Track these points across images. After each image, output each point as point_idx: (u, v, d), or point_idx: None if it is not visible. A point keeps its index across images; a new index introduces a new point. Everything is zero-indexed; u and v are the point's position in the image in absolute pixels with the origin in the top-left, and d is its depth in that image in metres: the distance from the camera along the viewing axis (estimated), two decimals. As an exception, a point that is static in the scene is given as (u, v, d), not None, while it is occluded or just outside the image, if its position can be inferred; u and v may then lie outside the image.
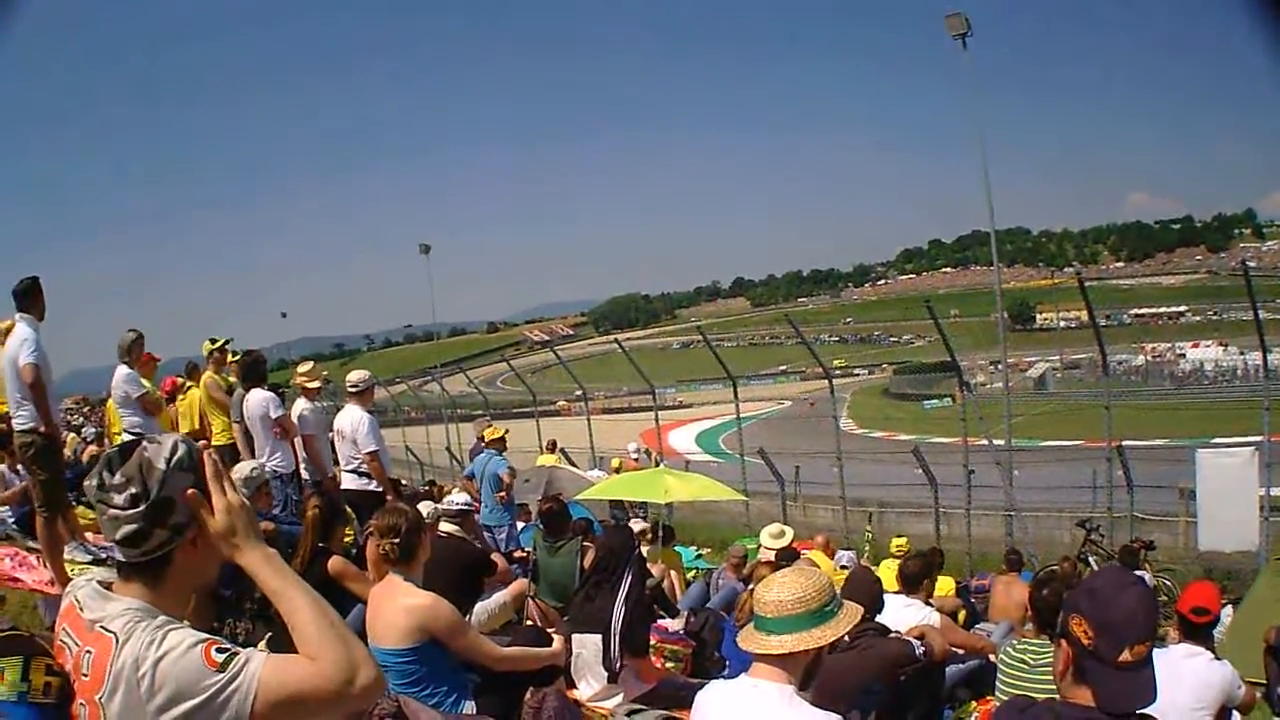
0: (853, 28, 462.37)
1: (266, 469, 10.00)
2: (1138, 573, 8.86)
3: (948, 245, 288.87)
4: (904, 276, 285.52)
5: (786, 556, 11.19)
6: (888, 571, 11.45)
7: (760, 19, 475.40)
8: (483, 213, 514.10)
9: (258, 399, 11.21)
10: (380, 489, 11.09)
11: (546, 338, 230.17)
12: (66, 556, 9.29)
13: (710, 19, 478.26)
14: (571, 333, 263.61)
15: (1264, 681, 9.09)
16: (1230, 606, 12.40)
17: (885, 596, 7.82)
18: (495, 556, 9.96)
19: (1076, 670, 2.86)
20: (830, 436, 23.89)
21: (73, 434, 19.76)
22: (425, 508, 9.84)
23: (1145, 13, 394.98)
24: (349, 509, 9.93)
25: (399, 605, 5.58)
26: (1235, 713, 6.00)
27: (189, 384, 13.75)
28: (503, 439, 15.30)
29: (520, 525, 14.56)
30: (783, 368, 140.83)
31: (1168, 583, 15.57)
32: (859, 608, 4.01)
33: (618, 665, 7.48)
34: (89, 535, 9.90)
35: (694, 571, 15.55)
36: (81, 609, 2.49)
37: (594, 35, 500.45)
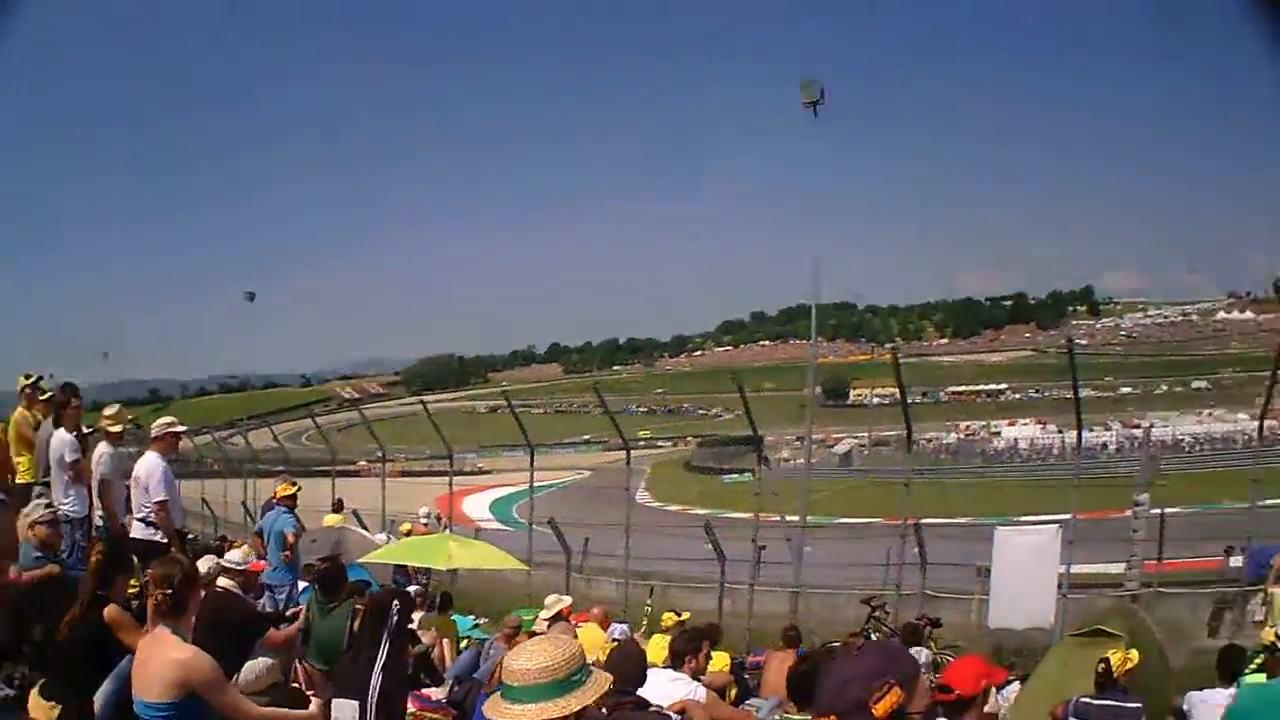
0: (685, 86, 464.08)
1: (60, 512, 9.99)
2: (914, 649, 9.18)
3: (770, 318, 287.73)
4: (721, 349, 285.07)
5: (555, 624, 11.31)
6: (660, 645, 11.65)
7: (590, 77, 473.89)
8: (301, 264, 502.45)
9: (58, 440, 11.15)
10: (166, 540, 10.91)
11: (357, 395, 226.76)
12: None
13: (529, 82, 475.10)
14: (383, 392, 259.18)
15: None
16: (1018, 683, 13.06)
17: (652, 670, 7.81)
18: (285, 628, 10.01)
19: None
20: (624, 508, 24.01)
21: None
22: (206, 562, 9.97)
23: (987, 86, 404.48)
24: (135, 559, 10.03)
25: (163, 658, 5.59)
26: None
27: None
28: (294, 496, 15.25)
29: (303, 585, 14.13)
30: (586, 437, 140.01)
31: (951, 658, 15.87)
32: (608, 676, 3.97)
33: (372, 731, 7.64)
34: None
35: (468, 641, 15.34)
36: None
37: (412, 92, 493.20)
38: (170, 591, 5.80)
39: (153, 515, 10.98)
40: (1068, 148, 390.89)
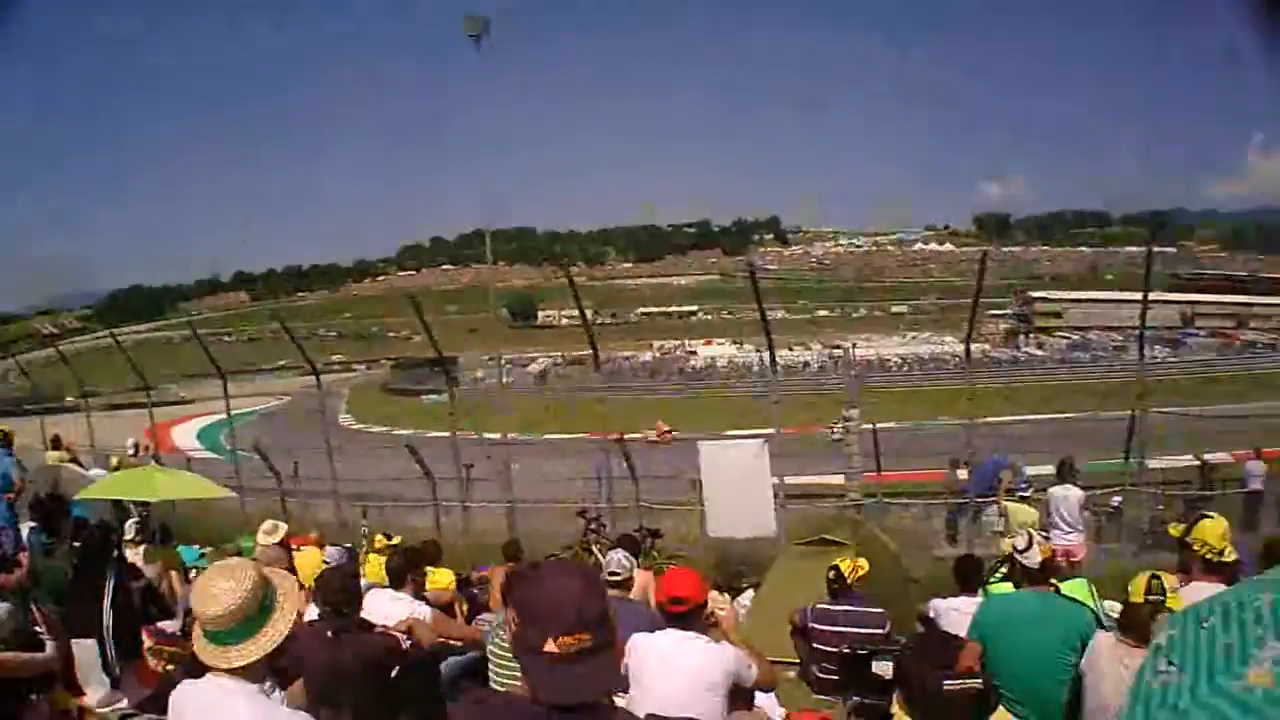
0: (364, 17, 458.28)
1: None
2: (615, 569, 9.11)
3: (449, 242, 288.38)
4: (404, 273, 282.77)
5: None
6: (377, 565, 11.52)
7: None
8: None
9: None
10: None
11: (56, 331, 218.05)
12: None
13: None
14: (80, 326, 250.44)
15: (796, 660, 9.71)
16: (751, 590, 13.19)
17: (373, 591, 8.03)
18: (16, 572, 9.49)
19: (516, 659, 2.79)
20: (326, 431, 23.93)
21: None
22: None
23: (689, 18, 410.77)
24: None
25: None
26: (762, 692, 6.28)
27: None
28: (9, 436, 14.69)
29: (27, 526, 13.81)
30: (282, 363, 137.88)
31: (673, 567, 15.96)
32: (294, 581, 4.09)
33: (116, 670, 7.33)
34: None
35: (195, 571, 14.91)
36: None
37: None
38: None
39: None
40: (758, 77, 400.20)
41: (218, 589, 3.72)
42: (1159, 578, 6.66)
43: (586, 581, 2.84)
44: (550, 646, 2.64)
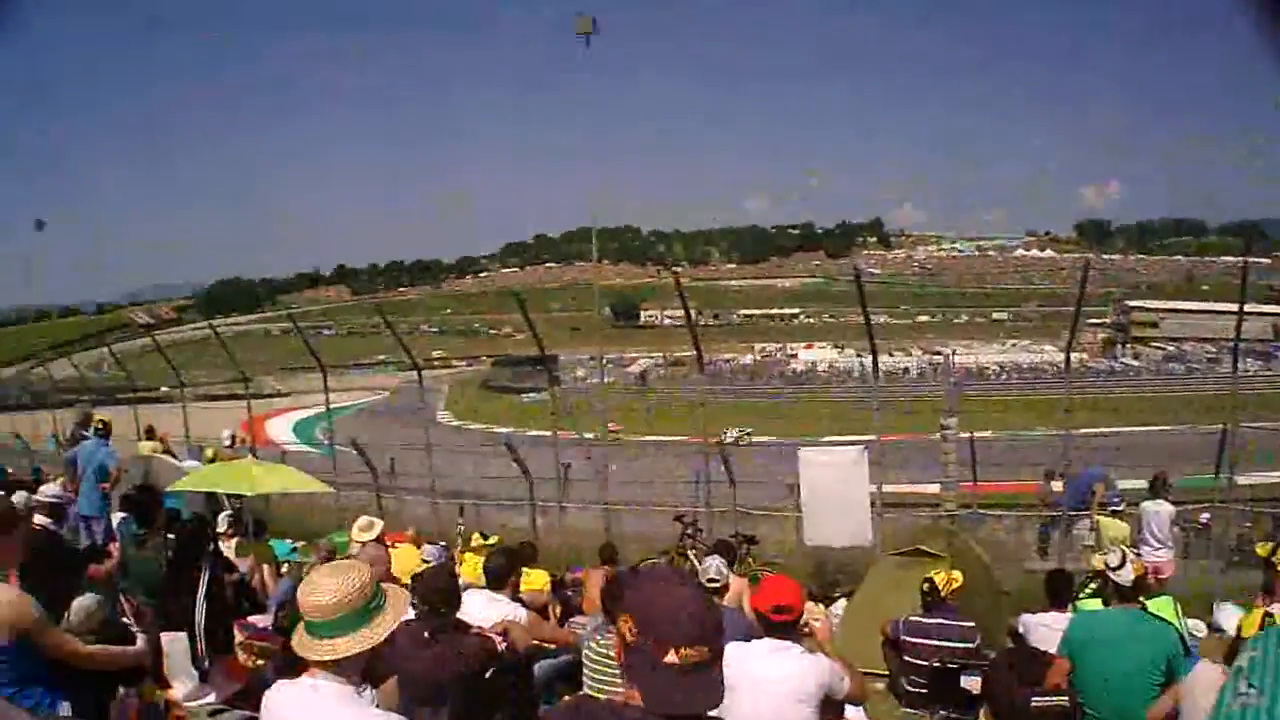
0: (473, 17, 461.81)
1: None
2: (713, 575, 9.12)
3: (554, 240, 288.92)
4: (507, 270, 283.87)
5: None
6: (474, 564, 11.54)
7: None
8: (93, 189, 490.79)
9: None
10: None
11: (151, 321, 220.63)
12: None
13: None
14: (175, 316, 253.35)
15: (885, 672, 9.72)
16: (845, 600, 13.12)
17: (470, 591, 7.87)
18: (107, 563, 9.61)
19: (625, 667, 2.78)
20: (425, 427, 23.88)
21: None
22: (18, 498, 9.52)
23: (790, 14, 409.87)
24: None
25: None
26: (852, 705, 6.22)
27: None
28: (107, 426, 14.94)
29: (120, 517, 13.79)
30: (381, 358, 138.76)
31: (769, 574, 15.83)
32: (404, 594, 4.12)
33: (205, 664, 7.39)
34: None
35: (288, 565, 14.93)
36: None
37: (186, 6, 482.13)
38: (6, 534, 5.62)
39: None
40: (863, 80, 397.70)
41: (326, 582, 3.79)
42: (1272, 615, 6.57)
43: (704, 593, 2.84)
44: (671, 658, 2.64)
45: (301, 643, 3.77)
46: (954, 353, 74.93)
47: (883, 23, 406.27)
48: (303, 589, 3.85)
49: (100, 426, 15.32)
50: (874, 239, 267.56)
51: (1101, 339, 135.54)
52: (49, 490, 10.23)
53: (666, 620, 2.68)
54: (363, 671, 3.86)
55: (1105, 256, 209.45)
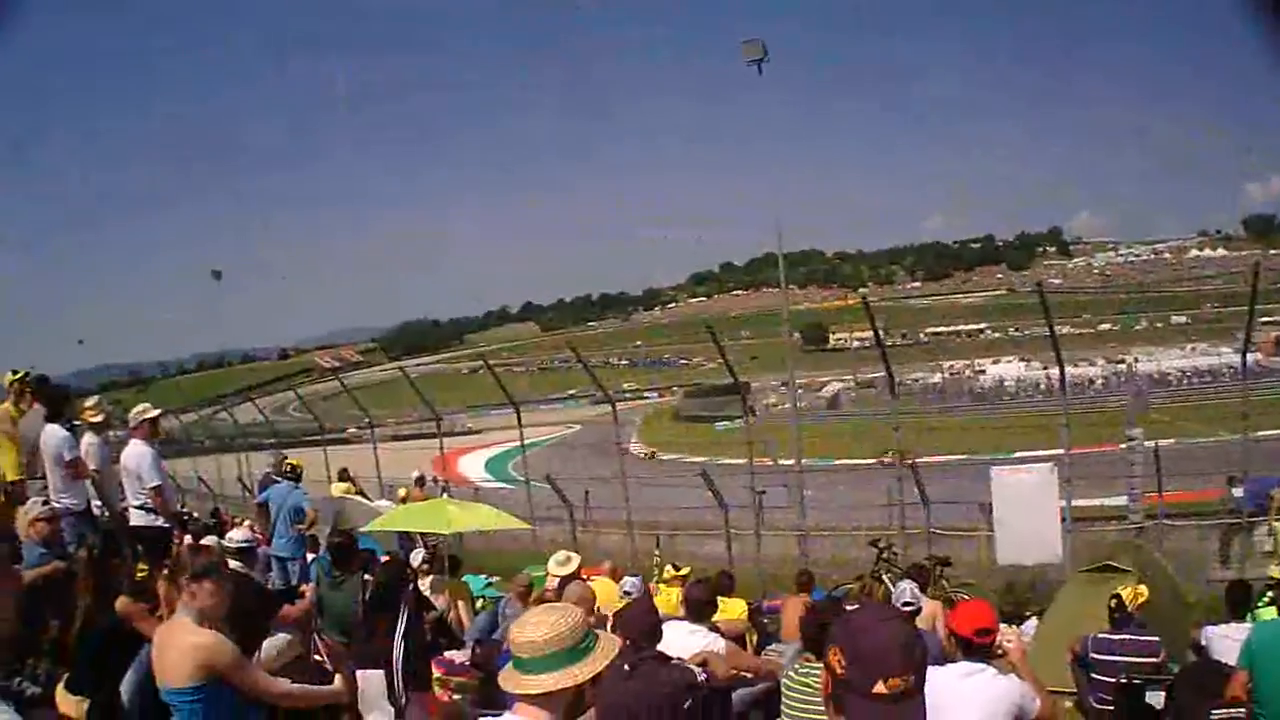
0: (645, 46, 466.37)
1: (59, 506, 9.88)
2: (908, 599, 9.15)
3: (739, 268, 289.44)
4: (695, 300, 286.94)
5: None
6: (669, 596, 11.78)
7: (546, 28, 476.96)
8: (274, 237, 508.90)
9: (54, 438, 10.88)
10: (167, 524, 11.01)
11: (337, 364, 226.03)
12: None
13: (491, 27, 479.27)
14: (361, 359, 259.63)
15: (1074, 691, 9.49)
16: (1035, 619, 12.93)
17: (669, 623, 7.84)
18: (298, 603, 9.82)
19: (833, 698, 2.81)
20: (618, 460, 23.98)
21: None
22: (209, 542, 9.82)
23: (946, 31, 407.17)
24: (137, 545, 9.89)
25: (181, 643, 5.49)
26: None
27: None
28: (297, 469, 15.29)
29: (310, 558, 14.13)
30: (572, 392, 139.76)
31: (965, 597, 15.74)
32: (616, 639, 4.03)
33: (403, 700, 7.52)
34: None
35: (483, 601, 15.33)
36: None
37: (376, 56, 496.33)
38: (210, 588, 5.62)
39: (150, 502, 11.00)
40: (1029, 90, 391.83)
41: (541, 618, 3.75)
42: None
43: (909, 623, 2.89)
44: (880, 688, 2.68)
45: (506, 674, 3.74)
46: (1136, 361, 73.72)
47: (1046, 31, 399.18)
48: (516, 625, 3.80)
49: (291, 470, 15.70)
50: (1053, 248, 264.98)
51: (1275, 337, 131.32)
52: (236, 535, 10.51)
53: (876, 653, 2.73)
54: (567, 709, 3.89)
55: (1272, 252, 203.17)
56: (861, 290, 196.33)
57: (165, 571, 6.72)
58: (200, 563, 5.79)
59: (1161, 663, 8.98)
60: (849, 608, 4.71)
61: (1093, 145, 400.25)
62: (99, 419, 11.84)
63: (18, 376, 12.62)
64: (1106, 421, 27.64)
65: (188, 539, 11.22)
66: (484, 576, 17.89)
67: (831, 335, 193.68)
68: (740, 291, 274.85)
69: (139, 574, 7.86)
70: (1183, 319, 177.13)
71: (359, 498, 20.98)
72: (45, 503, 9.21)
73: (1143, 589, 9.74)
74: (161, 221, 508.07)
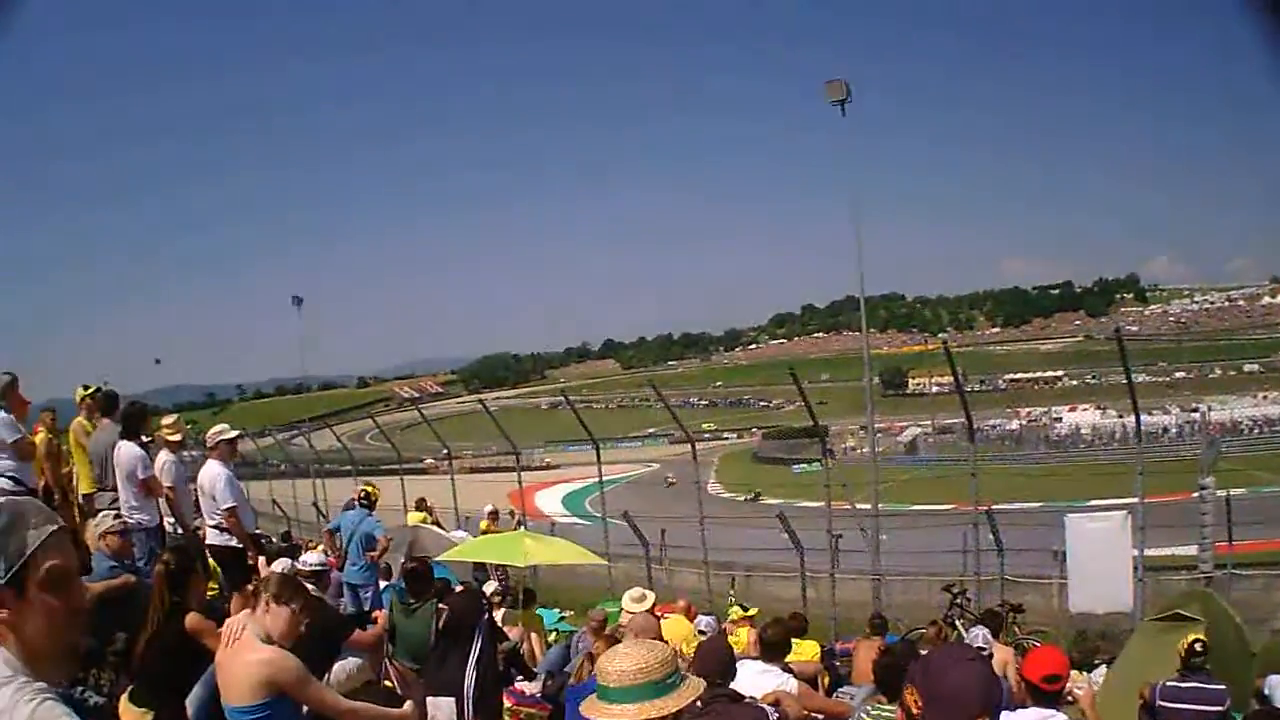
0: (727, 89, 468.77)
1: (131, 521, 9.92)
2: (980, 644, 9.11)
3: (820, 310, 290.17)
4: (775, 341, 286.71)
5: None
6: (742, 636, 11.81)
7: (631, 76, 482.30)
8: (356, 267, 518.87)
9: (129, 455, 11.00)
10: (241, 545, 11.03)
11: (416, 395, 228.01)
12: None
13: (574, 75, 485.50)
14: (441, 390, 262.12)
15: (1140, 737, 9.47)
16: (1104, 667, 12.79)
17: (743, 662, 7.80)
18: (370, 629, 9.81)
19: None
20: (695, 499, 23.61)
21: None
22: (281, 565, 9.82)
23: (1025, 78, 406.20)
24: (211, 563, 9.96)
25: (246, 660, 5.49)
26: None
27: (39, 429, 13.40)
28: (370, 495, 15.37)
29: (384, 585, 14.36)
30: (650, 431, 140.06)
31: (1036, 644, 15.69)
32: (701, 681, 3.96)
33: (472, 728, 7.47)
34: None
35: (555, 634, 15.46)
36: None
37: (462, 87, 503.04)
38: (297, 611, 5.68)
39: (224, 522, 11.04)
40: (1104, 136, 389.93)
41: (631, 650, 3.75)
42: None
43: (986, 665, 2.92)
44: None
45: (589, 703, 3.70)
46: (1209, 409, 73.25)
47: (1125, 81, 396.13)
48: (605, 655, 3.80)
49: (365, 496, 15.78)
50: (1130, 295, 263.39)
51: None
52: (311, 559, 10.55)
53: (954, 694, 2.77)
54: None
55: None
56: (941, 335, 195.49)
57: (248, 589, 6.70)
58: (282, 586, 5.73)
59: (1225, 710, 8.94)
60: (923, 651, 4.69)
61: (1172, 191, 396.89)
62: (177, 438, 11.94)
63: (89, 392, 12.81)
64: (1180, 470, 27.34)
65: (262, 560, 11.25)
66: (557, 611, 18.08)
67: (910, 380, 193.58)
68: (821, 334, 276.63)
69: (210, 592, 7.89)
70: (1255, 367, 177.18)
71: (434, 527, 21.04)
72: (117, 516, 9.25)
73: (1210, 637, 9.63)
74: (244, 247, 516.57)
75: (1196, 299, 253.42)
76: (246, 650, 5.52)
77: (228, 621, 5.98)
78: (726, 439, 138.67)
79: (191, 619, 6.88)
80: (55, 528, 2.54)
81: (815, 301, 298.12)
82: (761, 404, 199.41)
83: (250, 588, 6.83)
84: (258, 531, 13.01)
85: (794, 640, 10.05)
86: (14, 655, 2.44)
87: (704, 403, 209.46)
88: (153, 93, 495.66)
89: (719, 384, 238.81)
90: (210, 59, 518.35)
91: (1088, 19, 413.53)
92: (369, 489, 15.82)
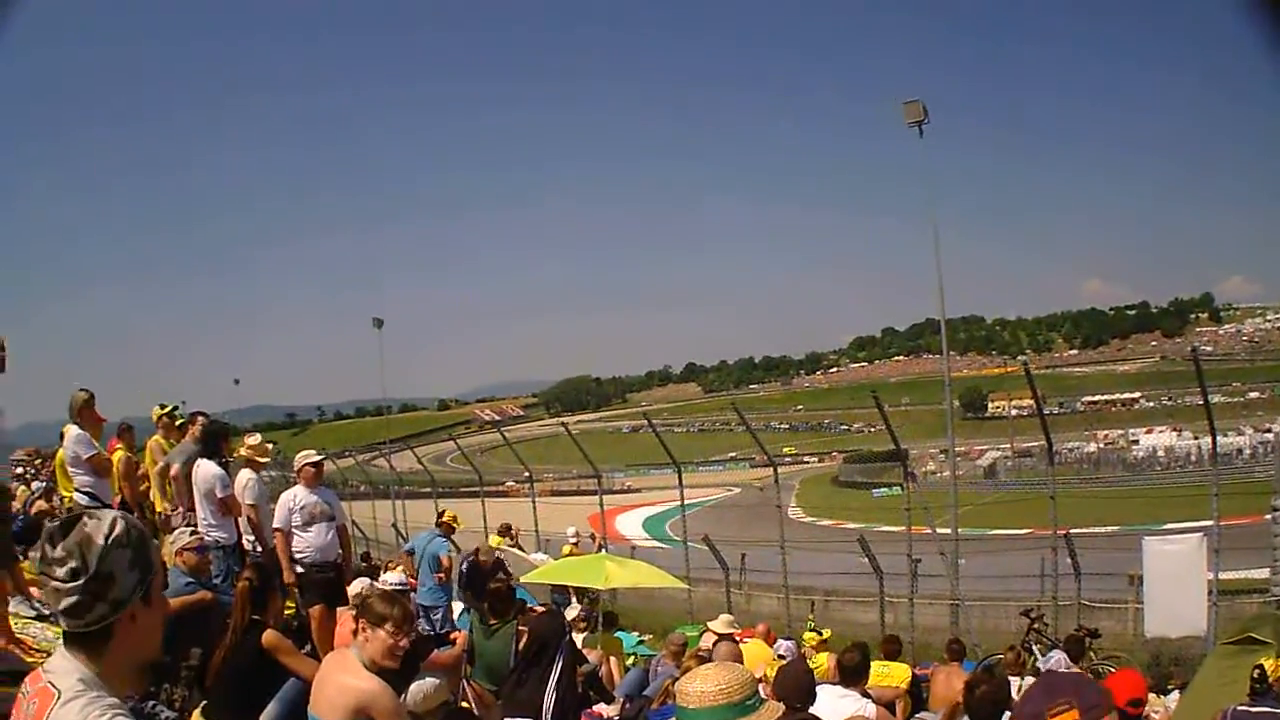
0: (805, 110, 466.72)
1: (208, 539, 10.06)
2: (1062, 669, 8.99)
3: (900, 333, 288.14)
4: (855, 365, 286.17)
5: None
6: (823, 660, 11.87)
7: (704, 99, 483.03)
8: (436, 289, 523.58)
9: (208, 473, 11.06)
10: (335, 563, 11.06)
11: (497, 418, 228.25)
12: (11, 610, 9.18)
13: (654, 94, 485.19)
14: (522, 413, 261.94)
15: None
16: (1177, 692, 12.64)
17: (822, 687, 7.78)
18: (447, 649, 9.86)
19: None
20: (777, 524, 23.58)
21: (22, 486, 19.81)
22: (360, 584, 9.88)
23: (1101, 99, 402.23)
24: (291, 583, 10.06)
25: (345, 683, 5.47)
26: None
27: (117, 446, 13.56)
28: (449, 523, 15.68)
29: (459, 606, 14.45)
30: (732, 454, 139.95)
31: (1112, 670, 15.57)
32: (780, 705, 3.93)
33: (550, 750, 7.47)
34: (34, 590, 9.77)
35: (634, 658, 15.37)
36: (45, 664, 2.56)
37: (544, 113, 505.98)
38: (396, 633, 5.62)
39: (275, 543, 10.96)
40: (1177, 154, 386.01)
41: (713, 673, 3.74)
42: None
43: (1079, 686, 2.96)
44: None
45: None
46: (1282, 429, 72.97)
47: (1198, 102, 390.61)
48: (687, 676, 3.82)
49: (440, 519, 15.87)
50: (1205, 315, 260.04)
51: None
52: (391, 578, 10.58)
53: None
54: None
55: None
56: (1020, 358, 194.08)
57: (352, 607, 6.75)
58: (384, 610, 5.75)
59: (1295, 737, 8.75)
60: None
61: (1247, 209, 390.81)
62: (265, 459, 12.12)
63: (166, 410, 13.00)
64: (1255, 491, 26.96)
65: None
66: (636, 634, 18.01)
67: (990, 402, 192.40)
68: (901, 357, 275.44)
69: (286, 611, 7.95)
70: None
71: (516, 549, 21.13)
72: (194, 533, 9.35)
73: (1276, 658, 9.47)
74: (326, 267, 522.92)
75: (1269, 317, 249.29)
76: (348, 672, 5.55)
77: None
78: (807, 462, 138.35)
79: (269, 636, 6.95)
80: (158, 543, 2.61)
81: (895, 324, 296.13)
82: (842, 427, 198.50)
83: (346, 611, 6.87)
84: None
85: (887, 663, 10.17)
86: (90, 669, 2.48)
87: (785, 426, 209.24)
88: (240, 110, 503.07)
89: (800, 407, 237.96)
90: (299, 78, 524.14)
91: (1161, 41, 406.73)
92: (451, 517, 15.94)
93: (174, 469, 11.77)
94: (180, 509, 11.53)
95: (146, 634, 2.57)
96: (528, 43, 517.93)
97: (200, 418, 12.63)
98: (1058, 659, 9.81)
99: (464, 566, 15.00)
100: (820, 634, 15.28)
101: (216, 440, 11.69)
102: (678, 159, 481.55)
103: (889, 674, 10.66)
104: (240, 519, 11.28)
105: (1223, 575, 17.54)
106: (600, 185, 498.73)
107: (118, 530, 2.51)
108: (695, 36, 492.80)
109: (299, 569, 10.74)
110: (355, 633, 5.69)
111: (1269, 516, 17.30)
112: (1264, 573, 18.18)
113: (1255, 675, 9.07)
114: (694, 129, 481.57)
